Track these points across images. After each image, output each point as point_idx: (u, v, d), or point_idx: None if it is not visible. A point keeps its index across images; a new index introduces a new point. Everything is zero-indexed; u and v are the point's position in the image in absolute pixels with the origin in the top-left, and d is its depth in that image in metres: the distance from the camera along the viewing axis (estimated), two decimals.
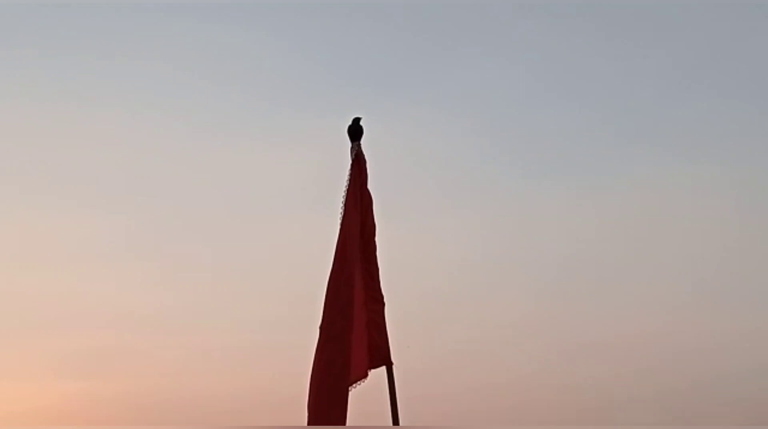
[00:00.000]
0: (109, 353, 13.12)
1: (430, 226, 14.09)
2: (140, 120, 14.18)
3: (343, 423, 4.97)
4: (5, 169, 13.92)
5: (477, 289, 13.70)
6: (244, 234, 14.12)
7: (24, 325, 13.15)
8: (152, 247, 14.03)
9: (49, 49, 13.88)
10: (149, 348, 13.14)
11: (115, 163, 14.21)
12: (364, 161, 5.52)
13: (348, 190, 5.43)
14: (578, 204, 14.31)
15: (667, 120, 14.59)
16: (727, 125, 14.43)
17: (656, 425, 12.10)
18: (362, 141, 5.54)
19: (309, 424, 5.04)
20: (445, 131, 14.60)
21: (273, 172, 14.41)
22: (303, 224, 13.40)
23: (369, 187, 5.53)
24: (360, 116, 5.53)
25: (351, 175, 5.46)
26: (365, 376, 5.29)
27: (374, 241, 5.47)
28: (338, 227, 5.38)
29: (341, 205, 5.42)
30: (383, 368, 5.31)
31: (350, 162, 5.50)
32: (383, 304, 5.40)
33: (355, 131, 5.54)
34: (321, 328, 5.20)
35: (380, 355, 5.31)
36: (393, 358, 5.33)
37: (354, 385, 5.19)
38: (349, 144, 5.55)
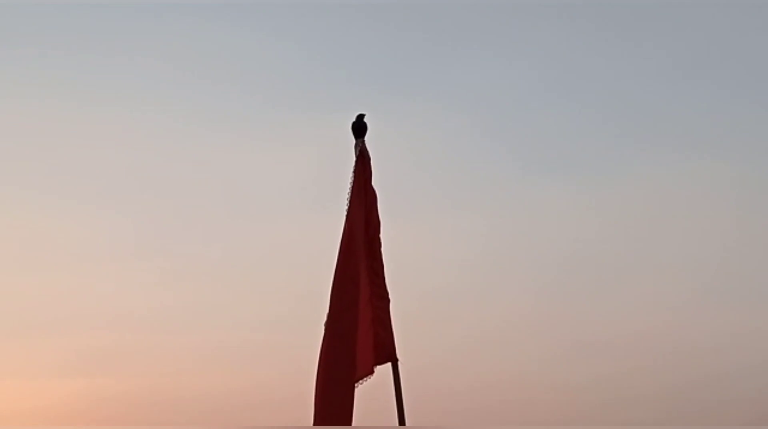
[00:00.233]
0: (109, 353, 13.13)
1: (432, 225, 14.10)
2: (140, 120, 14.19)
3: (350, 419, 4.99)
4: (5, 169, 13.92)
5: (478, 288, 13.72)
6: (245, 234, 14.13)
7: (25, 324, 13.16)
8: (152, 247, 14.04)
9: (49, 49, 13.88)
10: (149, 348, 13.15)
11: (115, 162, 14.23)
12: (369, 158, 5.51)
13: (352, 186, 5.43)
14: (579, 203, 14.33)
15: (667, 119, 14.62)
16: (728, 124, 14.46)
17: (656, 424, 12.11)
18: (365, 139, 5.54)
19: (315, 419, 5.06)
20: (446, 130, 14.63)
21: (273, 172, 14.42)
22: (303, 224, 13.42)
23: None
24: (364, 113, 5.53)
25: (355, 171, 5.45)
26: (371, 372, 5.29)
27: (379, 238, 5.47)
28: (341, 225, 5.38)
29: (346, 201, 5.42)
30: (388, 365, 5.32)
31: (354, 159, 5.49)
32: (388, 301, 5.41)
33: (360, 128, 5.52)
34: (326, 324, 5.20)
35: (386, 352, 5.32)
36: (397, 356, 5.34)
37: (360, 381, 5.20)
38: (352, 141, 5.52)
